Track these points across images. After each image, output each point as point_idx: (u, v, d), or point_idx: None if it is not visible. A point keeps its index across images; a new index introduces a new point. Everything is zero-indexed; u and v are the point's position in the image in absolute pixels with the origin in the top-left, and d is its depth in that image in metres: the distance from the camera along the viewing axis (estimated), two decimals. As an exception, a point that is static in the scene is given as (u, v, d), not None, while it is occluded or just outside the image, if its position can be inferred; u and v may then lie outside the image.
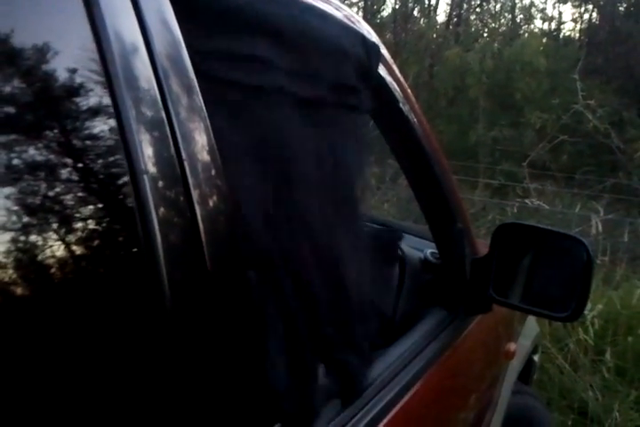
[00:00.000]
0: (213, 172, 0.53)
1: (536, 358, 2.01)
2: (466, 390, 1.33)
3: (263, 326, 0.66)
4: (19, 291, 0.38)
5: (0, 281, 0.37)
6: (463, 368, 1.30)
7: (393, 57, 1.11)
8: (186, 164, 0.49)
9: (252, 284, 0.61)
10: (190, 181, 0.50)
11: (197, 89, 0.53)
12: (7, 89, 0.40)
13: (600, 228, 4.25)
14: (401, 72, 1.13)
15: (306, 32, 0.76)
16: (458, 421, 1.26)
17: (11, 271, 0.38)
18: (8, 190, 0.38)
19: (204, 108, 0.53)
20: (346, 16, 0.94)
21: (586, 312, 2.90)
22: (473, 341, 1.34)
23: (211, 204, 0.52)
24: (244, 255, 0.57)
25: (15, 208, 0.38)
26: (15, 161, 0.39)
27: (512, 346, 1.56)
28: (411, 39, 10.81)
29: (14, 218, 0.38)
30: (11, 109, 0.40)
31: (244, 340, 0.56)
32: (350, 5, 10.10)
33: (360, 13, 10.56)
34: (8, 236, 0.38)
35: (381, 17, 11.66)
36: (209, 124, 0.54)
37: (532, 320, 1.84)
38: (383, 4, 11.70)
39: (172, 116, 0.49)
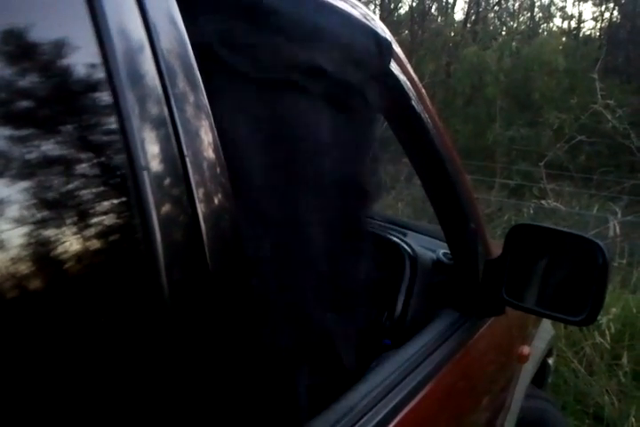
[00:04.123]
0: (216, 170, 0.52)
1: (551, 361, 1.98)
2: (478, 393, 1.31)
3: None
4: (16, 287, 0.38)
5: None
6: (475, 371, 1.28)
7: (409, 55, 1.10)
8: (188, 161, 0.49)
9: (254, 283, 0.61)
10: (193, 179, 0.49)
11: (202, 86, 0.52)
12: (9, 85, 0.40)
13: (618, 230, 4.19)
14: (417, 70, 1.12)
15: (314, 27, 0.76)
16: (469, 424, 1.25)
17: (8, 267, 0.37)
18: (7, 186, 0.38)
19: (208, 105, 0.53)
20: (360, 14, 0.93)
21: (602, 316, 2.85)
22: (485, 343, 1.33)
23: (213, 202, 0.51)
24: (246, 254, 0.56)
25: (14, 204, 0.38)
26: (15, 157, 0.39)
27: (525, 349, 1.54)
28: (428, 37, 10.75)
29: (13, 213, 0.38)
30: (12, 106, 0.40)
31: (244, 339, 0.56)
32: (367, 3, 10.07)
33: (377, 11, 10.53)
34: (6, 231, 0.37)
35: (398, 15, 11.62)
36: (213, 121, 0.53)
37: (547, 323, 1.82)
38: (400, 2, 11.66)
39: (176, 113, 0.49)
